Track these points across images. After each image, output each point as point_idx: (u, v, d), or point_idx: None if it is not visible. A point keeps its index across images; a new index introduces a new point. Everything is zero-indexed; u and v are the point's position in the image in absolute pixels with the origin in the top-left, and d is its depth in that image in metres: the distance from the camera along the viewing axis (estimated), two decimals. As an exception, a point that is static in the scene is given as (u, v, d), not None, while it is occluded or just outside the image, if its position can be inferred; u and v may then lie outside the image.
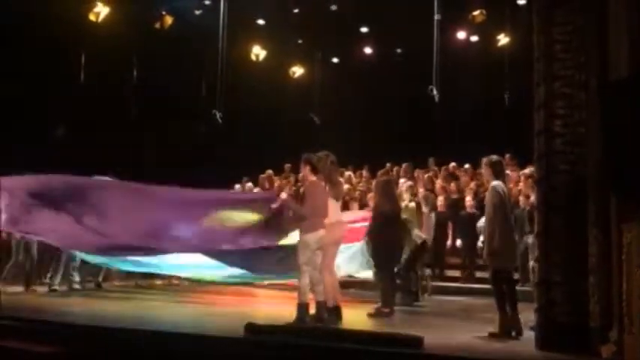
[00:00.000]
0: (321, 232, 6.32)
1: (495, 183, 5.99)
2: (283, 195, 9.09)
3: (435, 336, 5.44)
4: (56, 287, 8.93)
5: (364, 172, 13.92)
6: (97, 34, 13.72)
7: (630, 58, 3.77)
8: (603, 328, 3.89)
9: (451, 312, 8.13)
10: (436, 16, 13.72)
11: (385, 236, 7.36)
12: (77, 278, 9.16)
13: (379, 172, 11.73)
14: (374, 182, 8.04)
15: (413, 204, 8.88)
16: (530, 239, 6.44)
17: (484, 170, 6.40)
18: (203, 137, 15.33)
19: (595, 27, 4.17)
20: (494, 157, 6.30)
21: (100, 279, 9.68)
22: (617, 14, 3.95)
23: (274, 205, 7.13)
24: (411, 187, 9.20)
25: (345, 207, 11.59)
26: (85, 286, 9.32)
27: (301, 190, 9.73)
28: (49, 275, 9.47)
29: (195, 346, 5.25)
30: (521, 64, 7.35)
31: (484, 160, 6.45)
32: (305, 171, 6.58)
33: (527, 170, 7.45)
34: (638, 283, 3.38)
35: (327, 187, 6.63)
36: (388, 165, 12.53)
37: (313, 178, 6.49)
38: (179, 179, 8.40)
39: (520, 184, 7.49)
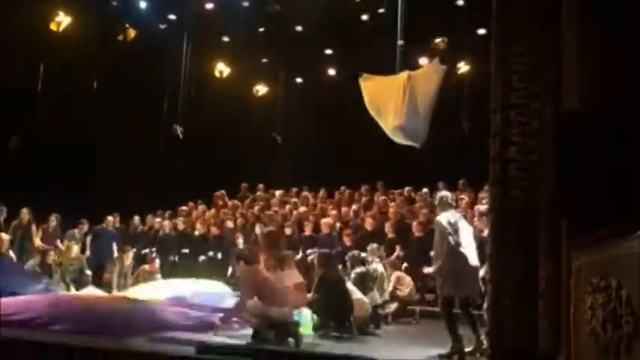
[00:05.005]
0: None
1: (439, 216, 6.35)
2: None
3: (388, 357, 5.46)
4: None
5: (321, 194, 13.88)
6: (57, 44, 13.53)
7: (581, 90, 3.89)
8: (551, 353, 3.94)
9: (406, 334, 8.15)
10: (399, 42, 13.96)
11: (332, 301, 7.37)
12: None
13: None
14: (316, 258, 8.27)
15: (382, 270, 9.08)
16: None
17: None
18: (162, 152, 15.17)
19: (550, 60, 4.29)
20: (440, 193, 6.88)
21: None
22: (570, 49, 4.08)
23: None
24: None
25: (301, 229, 11.60)
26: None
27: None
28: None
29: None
30: (480, 92, 7.51)
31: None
32: (239, 266, 6.81)
33: (483, 207, 7.52)
34: (585, 309, 3.44)
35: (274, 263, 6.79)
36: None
37: (244, 268, 6.66)
38: (133, 193, 8.26)
39: (474, 219, 7.61)
